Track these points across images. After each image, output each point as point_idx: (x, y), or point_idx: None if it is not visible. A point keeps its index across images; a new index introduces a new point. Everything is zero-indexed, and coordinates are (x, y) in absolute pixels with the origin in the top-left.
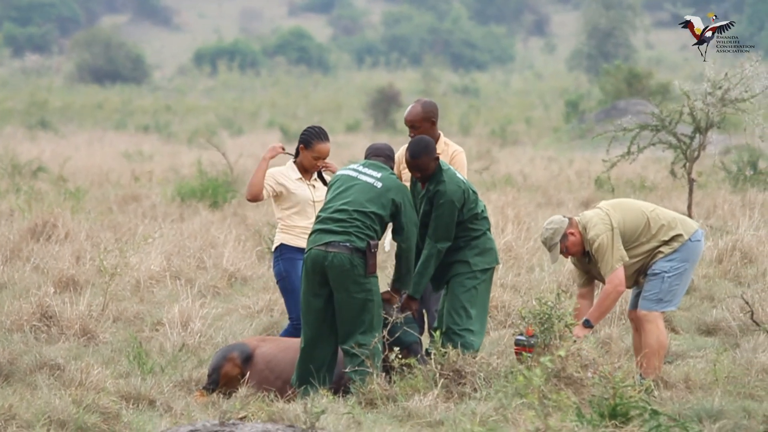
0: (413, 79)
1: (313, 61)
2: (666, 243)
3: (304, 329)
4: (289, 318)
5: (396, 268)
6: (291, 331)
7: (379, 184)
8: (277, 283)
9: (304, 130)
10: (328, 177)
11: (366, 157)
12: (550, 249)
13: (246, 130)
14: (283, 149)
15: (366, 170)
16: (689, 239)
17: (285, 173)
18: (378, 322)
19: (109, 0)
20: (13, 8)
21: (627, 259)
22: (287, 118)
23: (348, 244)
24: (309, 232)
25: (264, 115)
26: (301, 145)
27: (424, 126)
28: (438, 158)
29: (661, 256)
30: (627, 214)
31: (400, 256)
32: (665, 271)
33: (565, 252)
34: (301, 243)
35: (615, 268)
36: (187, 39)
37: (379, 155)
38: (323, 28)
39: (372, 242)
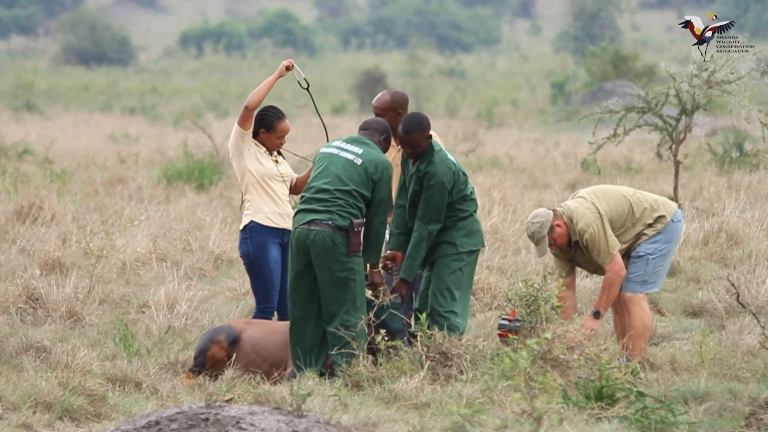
0: (399, 61)
1: (299, 43)
2: (650, 225)
3: (291, 309)
4: (256, 302)
5: (364, 242)
6: (259, 316)
7: (359, 161)
8: (244, 263)
9: (260, 114)
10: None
11: (359, 129)
12: (537, 243)
13: (232, 113)
14: (291, 66)
15: (348, 146)
16: (671, 220)
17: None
18: (362, 302)
19: None
20: None
21: (620, 245)
22: (273, 100)
23: (330, 222)
24: (277, 210)
25: None
26: (263, 130)
27: (389, 115)
28: (430, 137)
29: (645, 238)
30: (610, 200)
31: (366, 231)
32: (649, 253)
33: (552, 244)
34: (270, 223)
35: (612, 255)
36: (173, 21)
37: (366, 128)
38: (309, 10)
39: (355, 221)
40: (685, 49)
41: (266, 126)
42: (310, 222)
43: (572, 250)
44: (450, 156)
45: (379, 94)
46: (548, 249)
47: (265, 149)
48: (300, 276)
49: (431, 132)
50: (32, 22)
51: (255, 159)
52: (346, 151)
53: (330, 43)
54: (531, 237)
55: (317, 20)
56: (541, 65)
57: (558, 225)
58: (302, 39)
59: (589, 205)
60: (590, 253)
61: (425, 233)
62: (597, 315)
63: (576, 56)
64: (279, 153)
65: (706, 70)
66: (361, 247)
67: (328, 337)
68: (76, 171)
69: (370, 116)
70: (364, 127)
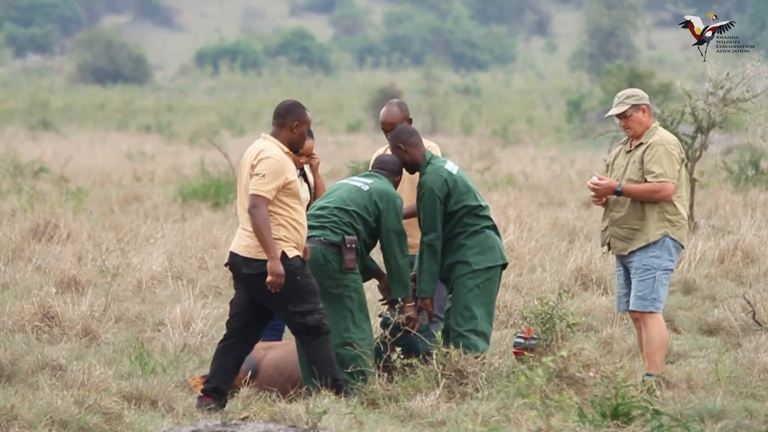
0: (414, 79)
1: (314, 61)
2: (660, 220)
3: None
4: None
5: (388, 277)
6: (270, 333)
7: (366, 187)
8: None
9: None
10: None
11: (372, 165)
12: (616, 104)
13: (248, 130)
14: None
15: (360, 178)
16: (677, 240)
17: None
18: (362, 319)
19: (110, 0)
20: (14, 8)
21: (677, 182)
22: None
23: (322, 238)
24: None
25: (266, 115)
26: None
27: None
28: (415, 148)
29: (644, 243)
30: (680, 170)
31: (387, 266)
32: (655, 268)
33: (624, 119)
34: None
35: (664, 176)
36: (189, 39)
37: (383, 168)
38: (325, 28)
39: (348, 237)
40: (701, 67)
41: None
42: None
43: (623, 155)
44: (449, 167)
45: (383, 110)
46: (619, 121)
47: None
48: None
49: (432, 144)
50: (48, 40)
51: None
52: (357, 180)
53: (345, 61)
54: (621, 95)
55: (333, 38)
56: (556, 83)
57: (644, 112)
58: (318, 57)
59: (676, 143)
60: (645, 164)
61: (424, 246)
62: (618, 192)
63: (591, 74)
64: (302, 172)
65: (721, 88)
66: (357, 266)
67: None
68: (91, 189)
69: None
70: (380, 167)
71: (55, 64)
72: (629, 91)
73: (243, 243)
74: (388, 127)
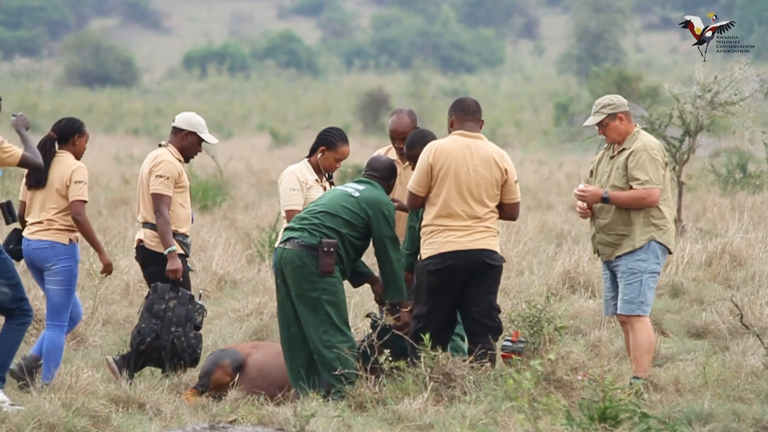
0: (403, 82)
1: (302, 64)
2: (646, 225)
3: (280, 330)
4: None
5: (383, 282)
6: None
7: (356, 194)
8: None
9: (325, 132)
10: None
11: (365, 168)
12: (593, 113)
13: (236, 134)
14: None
15: (353, 184)
16: (664, 244)
17: (305, 175)
18: (341, 322)
19: (98, 3)
20: (2, 12)
21: (662, 186)
22: (277, 122)
23: (300, 241)
24: None
25: (254, 118)
26: (323, 147)
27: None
28: None
29: (630, 249)
30: (666, 179)
31: (381, 270)
32: (641, 271)
33: (602, 128)
34: None
35: (649, 183)
36: (177, 42)
37: (376, 173)
38: (313, 31)
39: (325, 240)
40: (689, 71)
41: (327, 143)
42: (285, 240)
43: (606, 161)
44: None
45: (394, 118)
46: (597, 129)
47: (316, 177)
48: (282, 295)
49: None
50: (36, 43)
51: (312, 190)
52: (348, 186)
53: (333, 65)
54: (597, 104)
55: (321, 41)
56: (544, 86)
57: (621, 119)
58: (306, 60)
59: (659, 148)
60: (629, 171)
61: None
62: (605, 199)
63: (580, 77)
64: (329, 178)
65: (709, 91)
66: (335, 268)
67: (315, 359)
68: None
69: (375, 136)
70: (372, 172)
71: (44, 67)
72: (605, 99)
73: (484, 238)
74: (398, 136)
